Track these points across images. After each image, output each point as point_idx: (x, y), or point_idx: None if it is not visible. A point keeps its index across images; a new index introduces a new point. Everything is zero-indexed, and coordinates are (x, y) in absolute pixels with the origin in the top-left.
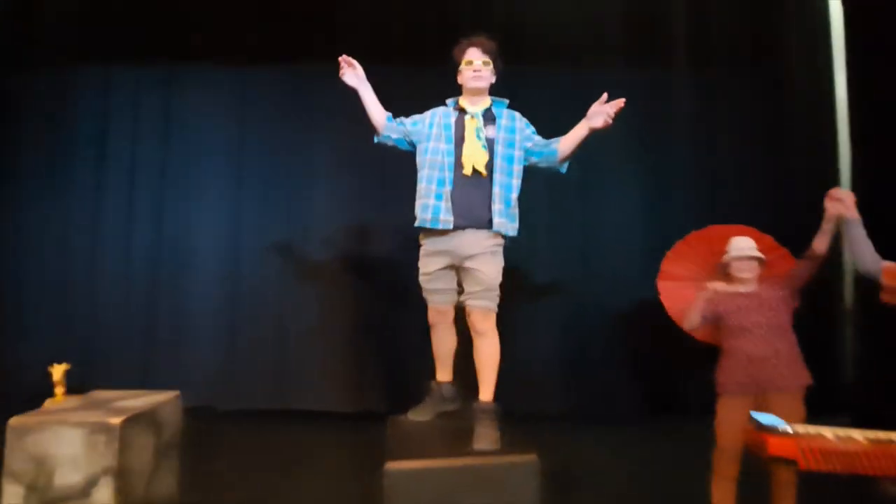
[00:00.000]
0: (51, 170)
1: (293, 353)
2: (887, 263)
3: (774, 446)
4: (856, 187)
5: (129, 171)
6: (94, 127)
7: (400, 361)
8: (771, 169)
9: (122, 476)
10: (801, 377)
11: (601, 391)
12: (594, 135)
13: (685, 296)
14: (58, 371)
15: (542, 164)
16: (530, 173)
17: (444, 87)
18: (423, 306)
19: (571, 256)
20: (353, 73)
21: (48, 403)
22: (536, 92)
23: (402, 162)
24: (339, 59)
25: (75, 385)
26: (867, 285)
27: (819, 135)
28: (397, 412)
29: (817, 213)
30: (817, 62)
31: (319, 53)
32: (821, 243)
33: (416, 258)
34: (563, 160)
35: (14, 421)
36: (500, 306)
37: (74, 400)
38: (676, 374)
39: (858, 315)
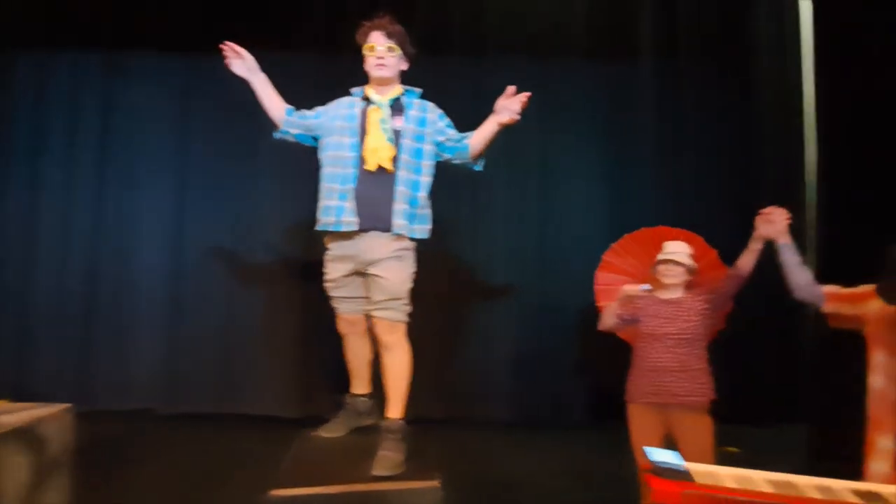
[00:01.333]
0: None
1: (239, 355)
2: (828, 289)
3: (657, 492)
4: (820, 189)
5: (66, 161)
6: (29, 115)
7: (341, 365)
8: (735, 169)
9: None
10: (705, 393)
11: (554, 396)
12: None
13: (618, 291)
14: None
15: (456, 161)
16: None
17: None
18: None
19: (528, 257)
20: (240, 63)
21: None
22: (497, 82)
23: None
24: (222, 45)
25: (6, 392)
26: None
27: (785, 135)
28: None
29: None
30: (786, 61)
31: (270, 43)
32: (746, 262)
33: None
34: (476, 157)
35: None
36: (448, 307)
37: None
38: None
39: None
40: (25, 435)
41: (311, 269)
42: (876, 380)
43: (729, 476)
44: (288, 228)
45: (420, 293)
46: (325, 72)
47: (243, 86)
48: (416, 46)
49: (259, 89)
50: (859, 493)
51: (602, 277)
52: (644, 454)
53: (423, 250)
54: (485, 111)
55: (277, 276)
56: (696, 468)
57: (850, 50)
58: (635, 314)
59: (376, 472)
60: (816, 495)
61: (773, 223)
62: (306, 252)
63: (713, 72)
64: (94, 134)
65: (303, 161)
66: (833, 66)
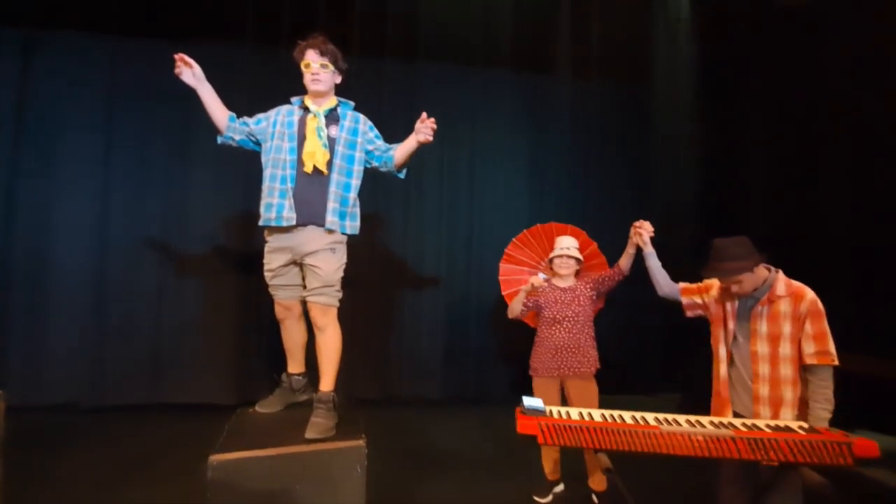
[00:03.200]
0: None
1: (171, 346)
2: (682, 285)
3: (521, 425)
4: (707, 196)
5: None
6: None
7: (281, 352)
8: (632, 171)
9: None
10: (594, 364)
11: (477, 376)
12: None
13: (521, 280)
14: None
15: (382, 169)
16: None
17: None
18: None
19: (455, 251)
20: (189, 73)
21: None
22: (432, 87)
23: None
24: (175, 56)
25: None
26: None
27: (678, 145)
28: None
29: (671, 216)
30: (677, 78)
31: (202, 29)
32: (624, 262)
33: None
34: (400, 167)
35: None
36: (384, 295)
37: None
38: None
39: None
40: None
41: (243, 261)
42: (719, 349)
43: (601, 414)
44: (220, 220)
45: (356, 284)
46: (257, 62)
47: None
48: (352, 52)
49: (205, 98)
50: (691, 422)
51: (504, 268)
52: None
53: (360, 245)
54: (416, 113)
55: (209, 267)
56: (559, 410)
57: (728, 74)
58: (537, 301)
59: (309, 435)
60: (654, 423)
61: (641, 235)
62: (238, 243)
63: (619, 84)
64: (7, 116)
65: (234, 155)
66: (718, 92)
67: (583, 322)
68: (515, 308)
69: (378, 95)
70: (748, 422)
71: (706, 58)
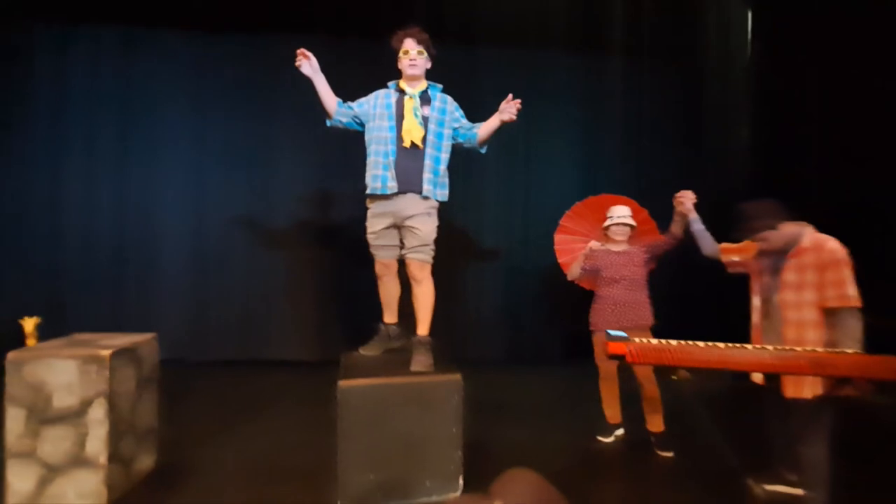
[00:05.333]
0: (7, 130)
1: (258, 308)
2: (724, 245)
3: (612, 347)
4: (755, 170)
5: (89, 132)
6: (52, 88)
7: (356, 315)
8: (686, 150)
9: (112, 399)
10: (649, 318)
11: (534, 339)
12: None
13: (574, 249)
14: (29, 324)
15: (466, 145)
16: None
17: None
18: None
19: (514, 225)
20: (308, 65)
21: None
22: (485, 69)
23: (360, 140)
24: (297, 51)
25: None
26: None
27: (729, 124)
28: None
29: (720, 191)
30: (735, 62)
31: (278, 24)
32: (675, 228)
33: None
34: (482, 143)
35: (12, 355)
36: (449, 266)
37: (58, 341)
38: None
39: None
40: (130, 353)
41: (321, 234)
42: (754, 300)
43: (676, 342)
44: (299, 198)
45: None
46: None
47: (254, 64)
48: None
49: (319, 87)
50: (756, 348)
51: (559, 238)
52: (604, 361)
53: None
54: (476, 95)
55: (290, 240)
56: (641, 339)
57: (785, 58)
58: (595, 265)
59: (414, 369)
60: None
61: (683, 203)
62: (316, 219)
63: (669, 64)
64: (114, 104)
65: (308, 139)
66: (771, 71)
67: (638, 281)
68: (575, 271)
69: (439, 76)
70: (807, 347)
71: (756, 34)
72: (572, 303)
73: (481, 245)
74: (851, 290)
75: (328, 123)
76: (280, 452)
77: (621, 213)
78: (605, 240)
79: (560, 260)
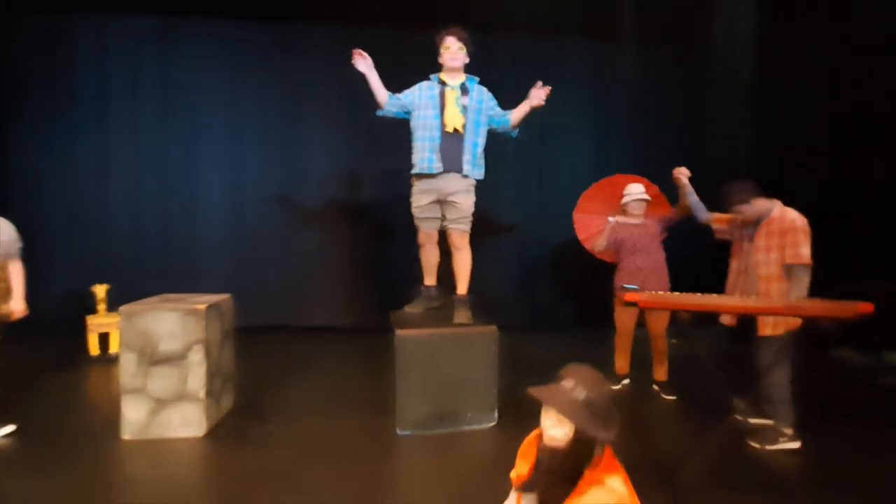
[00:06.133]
0: (58, 114)
1: (294, 279)
2: (714, 214)
3: (627, 296)
4: (757, 154)
5: (132, 115)
6: (95, 74)
7: (384, 285)
8: (692, 132)
9: (207, 345)
10: (666, 281)
11: (548, 307)
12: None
13: (592, 225)
14: (100, 290)
15: (499, 130)
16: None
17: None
18: (404, 241)
19: (529, 202)
20: (363, 62)
21: (90, 319)
22: (504, 57)
23: (388, 124)
24: (354, 51)
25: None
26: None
27: (733, 109)
28: (385, 327)
29: (724, 170)
30: (739, 51)
31: (308, 12)
32: (684, 200)
33: (399, 199)
34: (514, 128)
35: (124, 308)
36: (474, 241)
37: (155, 298)
38: (602, 294)
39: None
40: (217, 309)
41: (351, 211)
42: (732, 262)
43: (685, 294)
44: (330, 177)
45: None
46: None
47: (288, 53)
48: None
49: (372, 81)
50: (743, 300)
51: (578, 217)
52: (625, 323)
53: None
54: (493, 78)
55: (325, 216)
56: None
57: (791, 48)
58: (617, 238)
59: (457, 321)
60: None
61: (679, 178)
62: (346, 196)
63: (678, 51)
64: (154, 88)
65: (337, 123)
66: (777, 60)
67: (655, 249)
68: (601, 244)
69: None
70: (784, 299)
71: (763, 24)
72: (583, 274)
73: (497, 218)
74: (804, 251)
75: (378, 113)
76: (339, 393)
77: (637, 190)
78: (623, 215)
79: (580, 236)
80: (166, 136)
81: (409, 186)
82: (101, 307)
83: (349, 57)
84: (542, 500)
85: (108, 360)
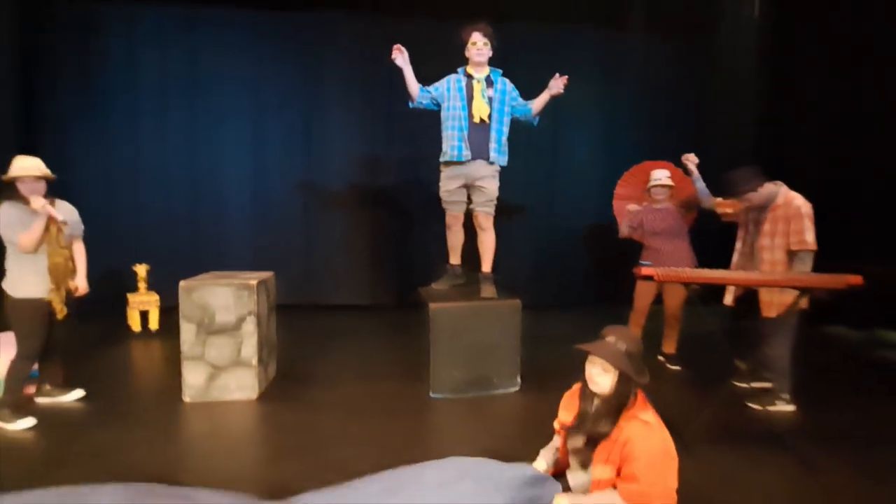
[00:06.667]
0: (89, 101)
1: (316, 260)
2: (717, 199)
3: (644, 271)
4: (761, 137)
5: (160, 101)
6: (124, 62)
7: (403, 265)
8: (699, 118)
9: (258, 317)
10: (690, 263)
11: (565, 284)
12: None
13: (626, 211)
14: (141, 269)
15: (522, 119)
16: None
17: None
18: (421, 224)
19: (541, 186)
20: (401, 57)
21: (131, 297)
22: (519, 45)
23: (405, 110)
24: (393, 46)
25: (129, 285)
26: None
27: (738, 95)
28: (403, 306)
29: (731, 154)
30: (745, 37)
31: (330, 1)
32: (698, 183)
33: (416, 184)
34: (535, 116)
35: (183, 283)
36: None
37: (206, 275)
38: (616, 273)
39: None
40: (264, 284)
41: (371, 194)
42: (737, 243)
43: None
44: (351, 160)
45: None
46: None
47: (309, 38)
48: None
49: (407, 75)
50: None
51: (617, 205)
52: (642, 301)
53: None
54: (507, 66)
55: (346, 200)
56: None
57: (793, 34)
58: (641, 221)
59: (484, 295)
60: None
61: (687, 165)
62: (366, 180)
63: (687, 38)
64: (181, 76)
65: (355, 108)
66: (778, 47)
67: (677, 231)
68: (623, 229)
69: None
70: (785, 272)
71: (769, 9)
72: (593, 254)
73: (511, 201)
74: (809, 237)
75: (411, 105)
76: (372, 363)
77: (660, 175)
78: (649, 200)
79: (620, 222)
80: (194, 122)
81: (435, 172)
82: (142, 286)
83: (370, 46)
84: (588, 438)
85: (149, 336)
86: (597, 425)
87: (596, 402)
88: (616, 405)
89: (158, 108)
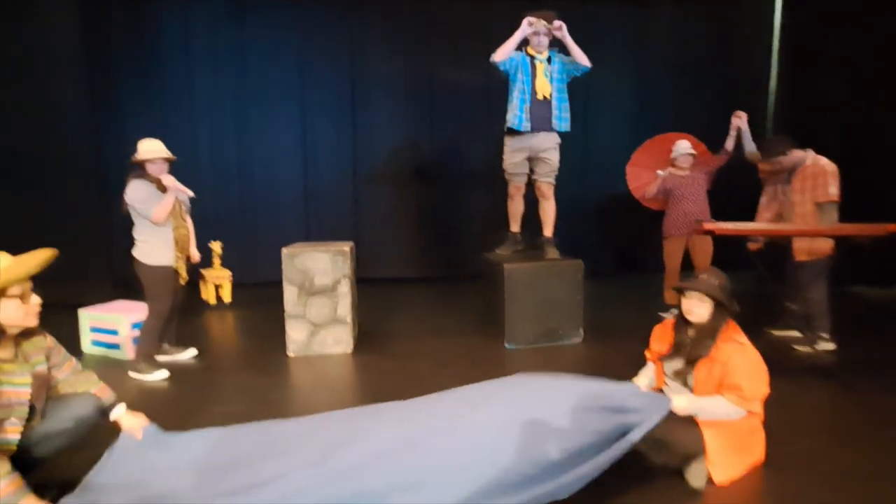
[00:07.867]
0: (146, 91)
1: (365, 234)
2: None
3: (706, 225)
4: (778, 103)
5: (212, 87)
6: (177, 55)
7: (448, 239)
8: (718, 84)
9: (350, 280)
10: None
11: (588, 256)
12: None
13: (642, 177)
14: (216, 246)
15: (578, 74)
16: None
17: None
18: (465, 201)
19: (573, 157)
20: (529, 28)
21: (206, 272)
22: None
23: (447, 89)
24: (525, 19)
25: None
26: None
27: (755, 63)
28: (449, 277)
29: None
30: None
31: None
32: (728, 144)
33: (459, 165)
34: (582, 62)
35: (286, 250)
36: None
37: (301, 244)
38: (638, 245)
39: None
40: (350, 252)
41: (418, 170)
42: (762, 198)
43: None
44: (397, 139)
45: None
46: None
47: (351, 25)
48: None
49: (517, 38)
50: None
51: (630, 170)
52: (673, 262)
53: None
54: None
55: (390, 177)
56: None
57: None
58: (666, 187)
59: (549, 256)
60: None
61: (740, 117)
62: (411, 157)
63: (707, 12)
64: (233, 69)
65: (398, 91)
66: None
67: (701, 197)
68: (651, 191)
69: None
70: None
71: None
72: (623, 223)
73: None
74: (833, 190)
75: (492, 59)
76: (446, 322)
77: (685, 145)
78: (673, 167)
79: (631, 186)
80: (245, 107)
81: (499, 144)
82: (217, 261)
83: (412, 31)
84: (688, 360)
85: (225, 308)
86: (697, 348)
87: (690, 331)
88: (712, 330)
89: (213, 91)
